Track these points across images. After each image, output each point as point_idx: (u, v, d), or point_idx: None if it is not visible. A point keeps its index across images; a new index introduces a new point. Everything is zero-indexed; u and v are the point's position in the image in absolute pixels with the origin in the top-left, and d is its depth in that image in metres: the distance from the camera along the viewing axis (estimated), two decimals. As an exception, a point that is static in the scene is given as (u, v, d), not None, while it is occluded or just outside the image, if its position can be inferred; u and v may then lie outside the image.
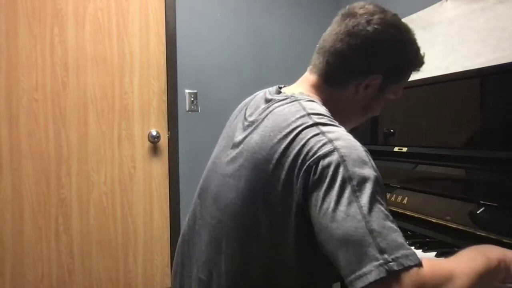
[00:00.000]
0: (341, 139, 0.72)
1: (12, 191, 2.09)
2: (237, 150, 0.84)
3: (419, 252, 1.04)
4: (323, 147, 0.71)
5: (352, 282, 0.62)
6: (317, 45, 0.89)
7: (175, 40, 2.34)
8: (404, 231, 1.20)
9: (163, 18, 2.34)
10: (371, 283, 0.60)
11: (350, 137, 0.74)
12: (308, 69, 0.91)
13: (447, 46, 1.79)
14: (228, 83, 2.46)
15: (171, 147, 2.35)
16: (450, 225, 1.09)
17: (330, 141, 0.71)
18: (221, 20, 2.47)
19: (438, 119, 1.36)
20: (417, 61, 0.89)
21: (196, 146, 2.37)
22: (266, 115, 0.83)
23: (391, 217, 0.66)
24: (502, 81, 1.13)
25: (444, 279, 0.64)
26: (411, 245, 1.09)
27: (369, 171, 0.68)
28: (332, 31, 0.86)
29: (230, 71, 2.46)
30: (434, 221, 1.14)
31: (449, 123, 1.31)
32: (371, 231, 0.63)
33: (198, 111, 2.41)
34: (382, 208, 0.66)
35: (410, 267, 0.61)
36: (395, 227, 0.65)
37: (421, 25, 1.94)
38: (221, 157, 0.90)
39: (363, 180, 0.67)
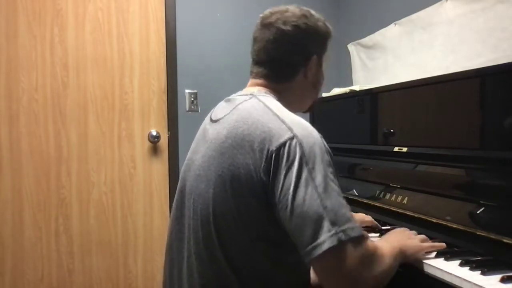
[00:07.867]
0: (298, 126, 0.84)
1: (12, 191, 2.09)
2: (206, 145, 0.94)
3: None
4: (284, 134, 0.82)
5: (309, 252, 0.74)
6: (252, 58, 1.05)
7: (175, 40, 2.34)
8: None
9: (163, 18, 2.34)
10: (325, 251, 0.73)
11: (305, 123, 0.87)
12: (251, 78, 1.05)
13: (447, 46, 1.79)
14: (228, 83, 2.45)
15: (171, 147, 2.35)
16: (450, 225, 1.09)
17: (290, 128, 0.83)
18: (221, 20, 2.47)
19: (438, 119, 1.36)
20: (329, 31, 1.07)
21: (196, 146, 2.36)
22: (230, 111, 0.94)
23: (341, 194, 0.80)
24: (502, 81, 1.13)
25: (374, 255, 0.80)
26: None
27: (322, 153, 0.81)
28: (259, 42, 1.01)
29: (230, 71, 2.46)
30: (434, 221, 1.14)
31: (449, 123, 1.31)
32: (325, 207, 0.75)
33: (198, 111, 2.40)
34: (334, 185, 0.79)
35: (356, 238, 0.75)
36: (345, 203, 0.79)
37: (421, 25, 1.94)
38: (193, 157, 0.99)
39: (317, 162, 0.79)
